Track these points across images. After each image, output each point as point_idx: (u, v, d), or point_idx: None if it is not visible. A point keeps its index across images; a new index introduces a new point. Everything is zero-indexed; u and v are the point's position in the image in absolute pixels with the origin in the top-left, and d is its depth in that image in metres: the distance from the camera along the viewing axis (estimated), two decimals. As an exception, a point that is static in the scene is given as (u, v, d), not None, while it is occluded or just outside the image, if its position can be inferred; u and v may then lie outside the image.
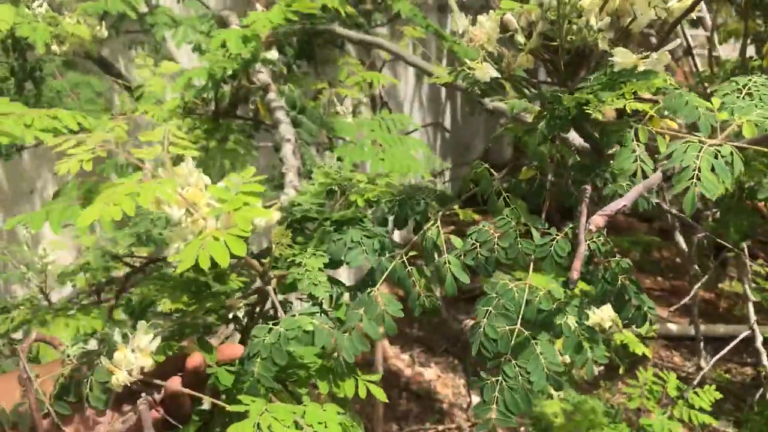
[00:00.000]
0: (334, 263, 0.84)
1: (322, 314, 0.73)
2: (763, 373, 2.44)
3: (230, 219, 0.61)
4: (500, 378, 0.68)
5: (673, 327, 3.87)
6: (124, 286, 1.26)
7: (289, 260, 0.76)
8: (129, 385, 0.69)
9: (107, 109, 1.81)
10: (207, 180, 0.64)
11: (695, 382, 2.27)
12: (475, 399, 3.66)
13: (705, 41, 2.86)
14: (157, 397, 0.71)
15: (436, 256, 0.76)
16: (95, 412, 0.73)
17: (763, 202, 1.56)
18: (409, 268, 0.78)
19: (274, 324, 0.71)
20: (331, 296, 0.78)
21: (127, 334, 0.70)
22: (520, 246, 0.73)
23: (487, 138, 6.00)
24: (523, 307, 0.70)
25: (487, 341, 0.69)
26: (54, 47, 1.60)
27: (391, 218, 0.86)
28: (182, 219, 0.60)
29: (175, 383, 0.70)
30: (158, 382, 0.70)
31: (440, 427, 3.46)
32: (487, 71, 0.70)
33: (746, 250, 2.41)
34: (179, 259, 0.57)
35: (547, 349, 0.69)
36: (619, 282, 0.70)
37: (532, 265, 0.73)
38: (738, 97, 0.72)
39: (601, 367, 2.16)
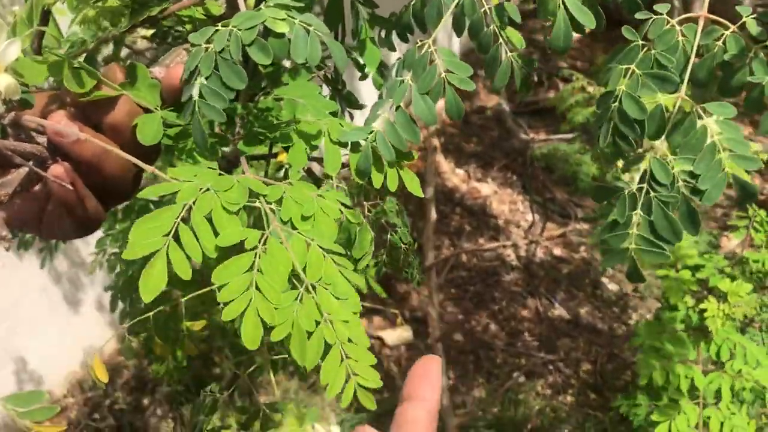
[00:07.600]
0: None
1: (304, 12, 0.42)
2: None
3: None
4: (645, 186, 0.39)
5: None
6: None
7: None
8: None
9: None
10: None
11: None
12: (535, 217, 3.43)
13: None
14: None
15: None
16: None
17: None
18: (486, 6, 0.47)
19: (222, 25, 0.42)
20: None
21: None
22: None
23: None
24: (692, 61, 0.40)
25: (625, 124, 0.39)
26: None
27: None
28: None
29: (59, 117, 0.43)
30: (38, 120, 0.43)
31: (494, 244, 3.30)
32: None
33: None
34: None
35: (730, 130, 0.39)
36: None
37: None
38: None
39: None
